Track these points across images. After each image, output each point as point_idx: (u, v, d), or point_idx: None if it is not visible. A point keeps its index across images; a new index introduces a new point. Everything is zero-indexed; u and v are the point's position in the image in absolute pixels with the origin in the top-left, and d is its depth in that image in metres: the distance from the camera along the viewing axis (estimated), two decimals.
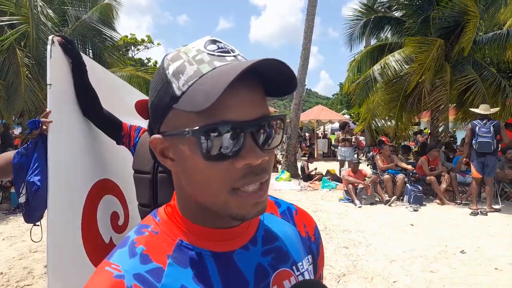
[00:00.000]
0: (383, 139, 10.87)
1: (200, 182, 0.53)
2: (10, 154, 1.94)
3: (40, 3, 7.86)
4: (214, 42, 0.55)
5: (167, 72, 0.53)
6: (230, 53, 0.54)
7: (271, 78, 0.53)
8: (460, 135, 11.29)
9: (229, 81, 0.45)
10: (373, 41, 14.81)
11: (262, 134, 0.52)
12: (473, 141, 6.67)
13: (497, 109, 7.66)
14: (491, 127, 6.50)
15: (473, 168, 6.78)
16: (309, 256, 0.70)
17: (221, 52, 0.53)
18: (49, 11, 8.24)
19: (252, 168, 0.51)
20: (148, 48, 29.49)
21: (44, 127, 1.81)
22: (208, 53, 0.52)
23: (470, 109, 8.06)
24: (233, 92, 0.48)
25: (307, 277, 0.66)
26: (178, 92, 0.51)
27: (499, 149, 7.08)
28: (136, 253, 0.55)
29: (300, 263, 0.66)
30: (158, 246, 0.57)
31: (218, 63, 0.51)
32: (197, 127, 0.49)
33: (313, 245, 0.73)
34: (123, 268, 0.53)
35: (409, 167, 8.20)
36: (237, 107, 0.49)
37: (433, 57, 8.44)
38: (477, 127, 6.63)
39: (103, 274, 0.53)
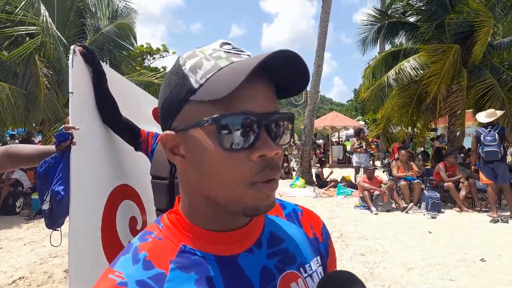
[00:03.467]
0: (397, 145, 10.72)
1: (217, 175, 0.52)
2: (38, 147, 1.98)
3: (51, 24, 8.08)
4: (228, 43, 0.56)
5: (183, 68, 0.54)
6: (244, 52, 0.56)
7: (283, 75, 0.54)
8: (467, 141, 11.02)
9: (250, 70, 0.46)
10: (387, 47, 14.71)
11: (275, 128, 0.53)
12: (480, 150, 6.54)
13: (503, 112, 7.44)
14: (496, 135, 6.35)
15: (482, 175, 6.63)
16: (318, 257, 0.69)
17: (236, 51, 0.55)
18: (56, 31, 8.42)
19: (267, 161, 0.52)
20: (163, 57, 30.01)
21: (74, 140, 1.86)
22: (225, 51, 0.54)
23: (476, 116, 7.87)
24: (251, 84, 0.49)
25: (315, 279, 0.64)
26: (195, 85, 0.51)
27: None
28: (139, 260, 0.55)
29: (308, 265, 0.65)
30: (161, 251, 0.57)
31: (235, 58, 0.53)
32: (217, 115, 0.49)
33: (321, 246, 0.72)
34: (126, 274, 0.53)
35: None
36: (254, 99, 0.51)
37: (450, 63, 8.32)
38: (481, 136, 6.48)
39: (106, 282, 0.53)
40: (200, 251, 0.57)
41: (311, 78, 11.49)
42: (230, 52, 0.54)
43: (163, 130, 0.58)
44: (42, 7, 7.74)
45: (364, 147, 10.45)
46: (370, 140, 11.97)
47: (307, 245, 0.68)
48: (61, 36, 8.23)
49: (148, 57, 29.13)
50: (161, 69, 28.99)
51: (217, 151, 0.51)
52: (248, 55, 0.56)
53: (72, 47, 2.01)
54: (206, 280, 0.55)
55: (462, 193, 7.34)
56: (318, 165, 11.80)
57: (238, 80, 0.46)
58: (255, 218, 0.63)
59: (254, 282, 0.58)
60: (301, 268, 0.63)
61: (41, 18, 7.62)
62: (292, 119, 0.57)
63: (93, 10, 9.63)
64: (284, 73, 0.54)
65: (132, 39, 10.06)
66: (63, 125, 1.93)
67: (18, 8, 7.57)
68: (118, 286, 0.52)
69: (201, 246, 0.58)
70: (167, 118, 0.56)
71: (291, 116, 0.56)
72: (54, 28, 7.94)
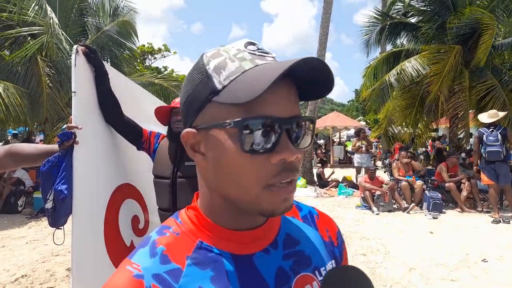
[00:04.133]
0: (397, 146, 10.72)
1: (234, 176, 0.53)
2: (40, 147, 1.98)
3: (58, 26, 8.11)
4: (253, 43, 0.56)
5: (207, 67, 0.54)
6: (269, 54, 0.55)
7: (307, 79, 0.54)
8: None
9: (275, 77, 0.46)
10: (389, 47, 14.70)
11: (296, 132, 0.53)
12: (482, 150, 6.53)
13: (505, 113, 7.44)
14: (499, 135, 6.34)
15: (483, 176, 6.61)
16: (333, 260, 0.69)
17: (261, 52, 0.55)
18: (63, 33, 8.46)
19: (286, 164, 0.52)
20: (164, 56, 30.04)
21: (76, 139, 1.87)
22: (249, 52, 0.54)
23: (478, 116, 7.86)
24: (273, 89, 0.48)
25: None
26: (219, 86, 0.51)
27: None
28: (156, 253, 0.56)
29: (323, 268, 0.65)
30: (178, 247, 0.57)
31: (259, 61, 0.52)
32: (240, 119, 0.50)
33: (336, 250, 0.72)
34: (143, 267, 0.54)
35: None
36: (276, 104, 0.51)
37: (451, 64, 8.31)
38: (484, 136, 6.47)
39: (124, 273, 0.54)
40: (217, 249, 0.58)
41: None
42: (255, 54, 0.54)
43: (185, 126, 0.58)
44: (48, 8, 7.76)
45: (364, 148, 10.45)
46: (372, 140, 11.96)
47: (322, 248, 0.68)
48: (67, 37, 8.24)
49: (149, 56, 29.15)
50: (162, 69, 29.04)
51: (238, 153, 0.51)
52: (273, 57, 0.55)
53: (74, 47, 2.03)
54: (222, 278, 0.55)
55: (464, 193, 7.33)
56: (320, 165, 11.80)
57: (262, 87, 0.46)
58: (271, 218, 0.63)
59: (269, 282, 0.58)
60: (316, 271, 0.64)
61: (47, 19, 7.63)
62: (313, 123, 0.57)
63: (94, 9, 9.63)
64: (308, 78, 0.54)
65: (134, 36, 10.06)
66: (66, 125, 1.94)
67: (30, 10, 7.55)
68: (135, 278, 0.53)
69: (217, 243, 0.58)
70: (189, 115, 0.57)
71: (312, 120, 0.57)
72: (60, 30, 7.96)
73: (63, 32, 8.11)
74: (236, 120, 0.50)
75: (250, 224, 0.60)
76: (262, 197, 0.52)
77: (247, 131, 0.50)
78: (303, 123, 0.55)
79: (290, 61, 0.49)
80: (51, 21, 7.62)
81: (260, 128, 0.50)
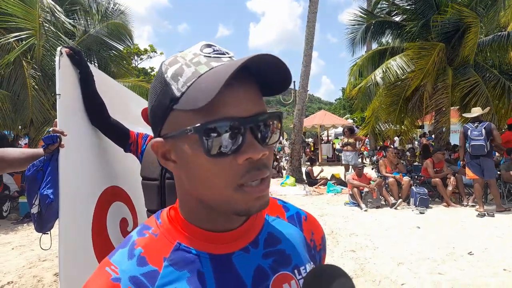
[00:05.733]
0: (386, 144, 10.88)
1: (204, 180, 0.53)
2: (25, 151, 1.95)
3: (56, 12, 7.96)
4: (209, 46, 0.56)
5: (165, 75, 0.54)
6: (225, 54, 0.56)
7: (265, 75, 0.54)
8: (453, 138, 11.22)
9: (227, 77, 0.46)
10: (374, 46, 14.87)
11: (261, 129, 0.53)
12: (467, 145, 6.70)
13: (488, 109, 7.64)
14: (483, 130, 6.50)
15: (468, 170, 6.77)
16: (311, 263, 0.69)
17: (216, 54, 0.55)
18: (63, 16, 8.34)
19: (254, 163, 0.52)
20: (151, 57, 29.77)
21: (62, 142, 1.85)
22: (205, 55, 0.54)
23: (463, 114, 8.04)
24: (231, 89, 0.49)
25: None
26: (177, 93, 0.52)
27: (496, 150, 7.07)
28: (134, 255, 0.57)
29: (303, 267, 0.65)
30: (156, 248, 0.58)
31: (215, 63, 0.53)
32: (198, 124, 0.50)
33: (317, 255, 0.72)
34: (120, 270, 0.55)
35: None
36: (235, 104, 0.51)
37: (434, 61, 8.47)
38: (469, 131, 6.65)
39: (102, 275, 0.55)
40: (195, 249, 0.58)
41: (299, 78, 11.63)
42: (210, 56, 0.54)
43: (154, 135, 0.59)
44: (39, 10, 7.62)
45: (357, 146, 10.60)
46: (363, 138, 12.07)
47: (304, 249, 0.69)
48: (66, 39, 8.09)
49: (136, 57, 28.86)
50: (149, 70, 28.78)
51: (203, 158, 0.51)
52: (230, 57, 0.55)
53: (58, 48, 2.00)
54: (198, 278, 0.56)
55: (449, 188, 7.47)
56: (308, 163, 11.87)
57: (216, 88, 0.46)
58: (252, 218, 0.64)
59: (247, 281, 0.58)
60: (295, 270, 0.64)
61: (37, 21, 7.48)
62: (279, 118, 0.56)
63: (83, 11, 9.50)
64: (266, 74, 0.54)
65: (128, 38, 9.99)
66: (51, 128, 1.92)
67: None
68: (112, 281, 0.54)
69: (196, 244, 0.59)
70: (156, 125, 0.57)
71: (278, 115, 0.56)
72: (51, 28, 7.82)
73: (58, 33, 7.98)
74: (196, 126, 0.50)
75: (229, 226, 0.60)
76: (234, 198, 0.53)
77: (209, 136, 0.50)
78: (269, 120, 0.54)
79: (242, 59, 0.49)
80: (42, 22, 7.48)
81: (221, 131, 0.50)
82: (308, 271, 0.65)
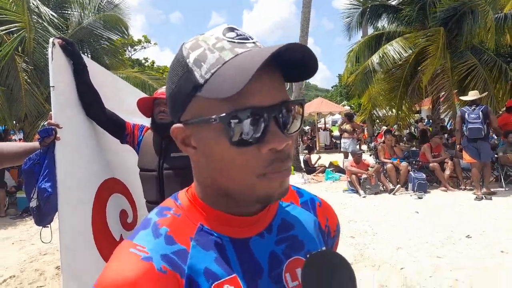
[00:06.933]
0: (380, 137, 10.92)
1: (227, 168, 0.53)
2: (21, 145, 1.93)
3: (41, 7, 7.84)
4: (232, 29, 0.54)
5: (187, 60, 0.53)
6: (249, 39, 0.54)
7: (291, 63, 0.53)
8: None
9: (256, 68, 0.45)
10: (370, 31, 14.76)
11: (284, 118, 0.52)
12: (464, 128, 6.70)
13: (486, 93, 7.65)
14: (480, 113, 6.51)
15: (465, 154, 6.78)
16: (324, 248, 0.70)
17: (240, 39, 0.53)
18: (50, 12, 8.22)
19: (277, 153, 0.52)
20: (144, 48, 29.50)
21: (58, 135, 1.83)
22: (228, 40, 0.52)
23: (460, 97, 8.01)
24: (256, 78, 0.47)
25: None
26: (201, 80, 0.51)
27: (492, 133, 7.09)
28: (160, 234, 0.55)
29: (321, 249, 0.66)
30: (181, 228, 0.57)
31: (239, 49, 0.51)
32: (224, 114, 0.49)
33: (330, 241, 0.73)
34: (149, 249, 0.52)
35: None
36: (260, 93, 0.50)
37: (441, 47, 8.34)
38: (466, 114, 6.65)
39: (130, 257, 0.51)
40: (216, 232, 0.58)
41: None
42: (234, 42, 0.52)
43: (172, 119, 0.58)
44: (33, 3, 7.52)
45: (356, 133, 10.61)
46: (362, 125, 12.07)
47: (317, 234, 0.69)
48: (56, 32, 7.98)
49: (129, 48, 28.56)
50: (143, 60, 28.55)
51: (226, 147, 0.51)
52: (254, 42, 0.54)
53: (51, 40, 1.96)
54: (224, 260, 0.56)
55: (447, 172, 7.51)
56: (306, 151, 11.88)
57: (244, 80, 0.45)
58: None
59: (264, 265, 0.59)
60: (308, 255, 0.64)
61: (27, 14, 7.37)
62: (302, 105, 0.56)
63: (78, 3, 9.37)
64: (290, 63, 0.52)
65: (124, 29, 9.92)
66: (47, 122, 1.90)
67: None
68: (144, 261, 0.51)
69: (216, 227, 0.59)
70: (176, 110, 0.56)
71: (301, 102, 0.56)
72: (39, 20, 7.71)
73: (47, 26, 7.87)
74: (221, 115, 0.49)
75: (247, 211, 0.60)
76: (257, 186, 0.53)
77: (234, 125, 0.49)
78: (292, 107, 0.54)
79: (271, 48, 0.48)
80: (31, 13, 7.37)
81: (246, 120, 0.49)
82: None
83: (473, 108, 6.64)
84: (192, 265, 0.54)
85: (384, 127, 11.44)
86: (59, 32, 8.20)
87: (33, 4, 7.72)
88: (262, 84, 0.50)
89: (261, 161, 0.51)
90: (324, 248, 0.68)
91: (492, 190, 6.69)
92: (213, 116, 0.50)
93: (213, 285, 0.54)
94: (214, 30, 0.55)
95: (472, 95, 6.87)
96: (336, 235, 0.76)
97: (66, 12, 9.26)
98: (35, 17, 7.74)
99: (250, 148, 0.51)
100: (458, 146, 7.28)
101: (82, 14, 9.29)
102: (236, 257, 0.58)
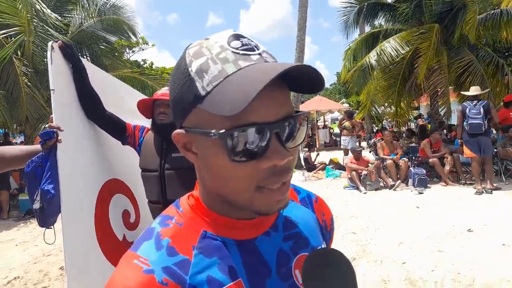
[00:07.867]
0: (379, 136, 10.95)
1: (224, 180, 0.53)
2: (23, 148, 1.95)
3: (46, 10, 7.84)
4: (237, 37, 0.53)
5: (189, 69, 0.52)
6: (254, 50, 0.52)
7: (297, 78, 0.51)
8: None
9: (259, 89, 0.43)
10: (367, 29, 14.76)
11: (287, 133, 0.51)
12: (465, 123, 6.71)
13: (487, 90, 7.66)
14: (481, 108, 6.51)
15: (466, 149, 6.79)
16: (323, 244, 0.71)
17: (245, 49, 0.51)
18: (54, 14, 8.22)
19: (277, 168, 0.51)
20: (143, 49, 29.42)
21: (59, 138, 1.84)
22: (233, 51, 0.51)
23: (462, 92, 8.03)
24: (259, 95, 0.45)
25: None
26: (202, 92, 0.49)
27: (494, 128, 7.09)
28: (162, 246, 0.56)
29: (320, 248, 0.68)
30: (183, 237, 0.57)
31: (243, 62, 0.50)
32: (223, 130, 0.48)
33: (327, 235, 0.75)
34: (151, 261, 0.53)
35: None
36: (261, 109, 0.48)
37: (434, 43, 8.38)
38: (467, 109, 6.65)
39: (133, 269, 0.53)
40: (220, 236, 0.59)
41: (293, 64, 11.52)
42: (239, 53, 0.50)
43: (175, 122, 0.58)
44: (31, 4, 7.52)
45: (355, 130, 10.63)
46: (361, 122, 12.08)
47: (318, 229, 0.71)
48: (59, 36, 7.98)
49: (127, 50, 28.49)
50: (141, 62, 28.49)
51: (225, 161, 0.50)
52: (259, 53, 0.52)
53: (49, 43, 1.98)
54: (228, 264, 0.57)
55: (447, 167, 7.53)
56: (306, 149, 11.89)
57: (246, 100, 0.44)
58: None
59: (271, 264, 0.60)
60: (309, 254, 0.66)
61: (27, 18, 7.37)
62: (307, 119, 0.55)
63: (81, 6, 9.38)
64: (297, 78, 0.51)
65: (129, 32, 9.98)
66: (48, 124, 1.91)
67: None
68: (145, 274, 0.52)
69: (220, 231, 0.59)
70: (177, 115, 0.56)
71: (306, 116, 0.54)
72: (40, 23, 7.72)
73: (48, 28, 7.87)
74: (221, 131, 0.48)
75: (249, 216, 0.60)
76: (255, 199, 0.53)
77: (234, 142, 0.48)
78: (296, 120, 0.52)
79: (276, 66, 0.47)
80: (32, 18, 7.37)
81: (246, 137, 0.48)
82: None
83: (474, 103, 6.65)
84: (195, 275, 0.54)
85: (380, 125, 11.46)
86: (63, 36, 8.20)
87: (37, 7, 7.71)
88: (264, 100, 0.48)
89: (259, 175, 0.51)
90: (322, 247, 0.69)
91: (495, 185, 6.70)
92: (213, 131, 0.49)
93: None
94: (219, 36, 0.54)
95: (474, 90, 6.87)
96: (332, 229, 0.78)
97: (68, 14, 9.27)
98: (36, 20, 7.72)
99: (249, 163, 0.50)
100: (460, 141, 7.29)
101: (84, 17, 9.29)
102: (242, 259, 0.58)
